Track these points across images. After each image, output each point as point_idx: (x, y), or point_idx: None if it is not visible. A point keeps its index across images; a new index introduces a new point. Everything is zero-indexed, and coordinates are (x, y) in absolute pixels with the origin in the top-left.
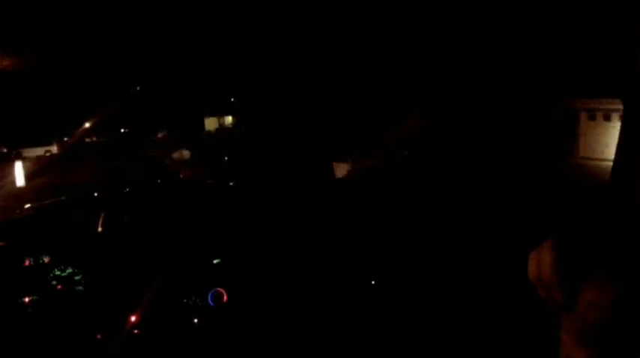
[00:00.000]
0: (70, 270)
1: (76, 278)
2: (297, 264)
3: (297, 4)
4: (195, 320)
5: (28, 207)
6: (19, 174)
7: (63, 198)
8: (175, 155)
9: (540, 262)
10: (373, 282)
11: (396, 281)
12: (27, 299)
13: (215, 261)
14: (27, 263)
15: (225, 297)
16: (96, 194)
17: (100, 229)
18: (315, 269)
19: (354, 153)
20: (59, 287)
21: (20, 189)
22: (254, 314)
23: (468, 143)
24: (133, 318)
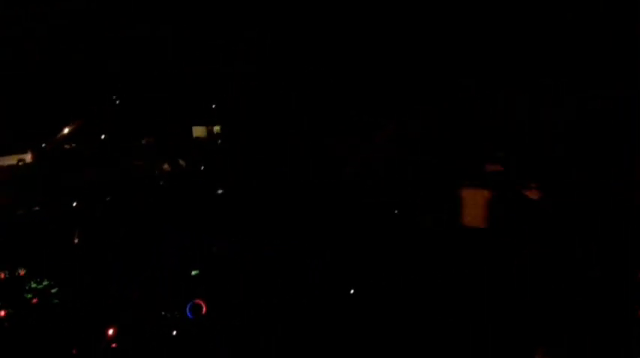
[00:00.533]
0: (46, 283)
1: (52, 291)
2: (289, 267)
3: (297, 4)
4: (174, 333)
5: None
6: None
7: (36, 208)
8: (166, 166)
9: None
10: (365, 285)
11: (394, 282)
12: (2, 313)
13: (193, 273)
14: (2, 275)
15: (204, 309)
16: (75, 204)
17: (76, 241)
18: (313, 271)
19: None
20: (34, 300)
21: None
22: (237, 327)
23: (468, 143)
24: (110, 332)
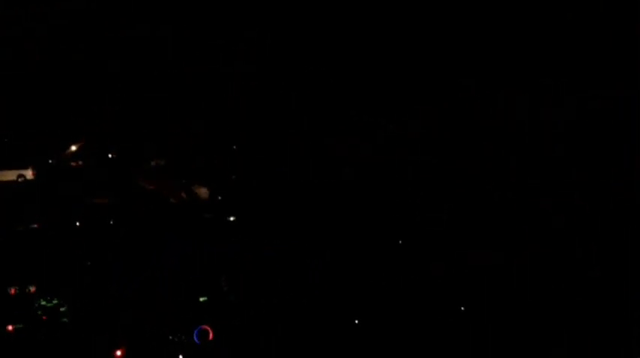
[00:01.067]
0: (55, 301)
1: (62, 309)
2: (289, 267)
3: (297, 5)
4: None
5: None
6: None
7: (35, 225)
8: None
9: None
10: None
11: (394, 281)
12: (10, 328)
13: (201, 299)
14: (12, 291)
15: (211, 335)
16: (78, 224)
17: (89, 263)
18: (313, 271)
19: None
20: (44, 318)
21: None
22: (237, 327)
23: (468, 143)
24: (118, 353)
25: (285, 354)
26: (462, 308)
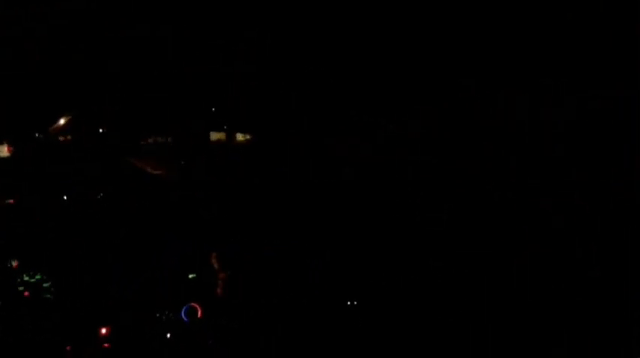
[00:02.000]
0: (38, 276)
1: (45, 285)
2: (289, 267)
3: (297, 5)
4: (168, 336)
5: None
6: None
7: (10, 201)
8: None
9: None
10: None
11: (394, 282)
12: None
13: (190, 276)
14: None
15: (199, 313)
16: (65, 197)
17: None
18: (313, 271)
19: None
20: (26, 293)
21: None
22: (236, 328)
23: (468, 143)
24: (103, 331)
25: (285, 355)
26: (461, 306)
